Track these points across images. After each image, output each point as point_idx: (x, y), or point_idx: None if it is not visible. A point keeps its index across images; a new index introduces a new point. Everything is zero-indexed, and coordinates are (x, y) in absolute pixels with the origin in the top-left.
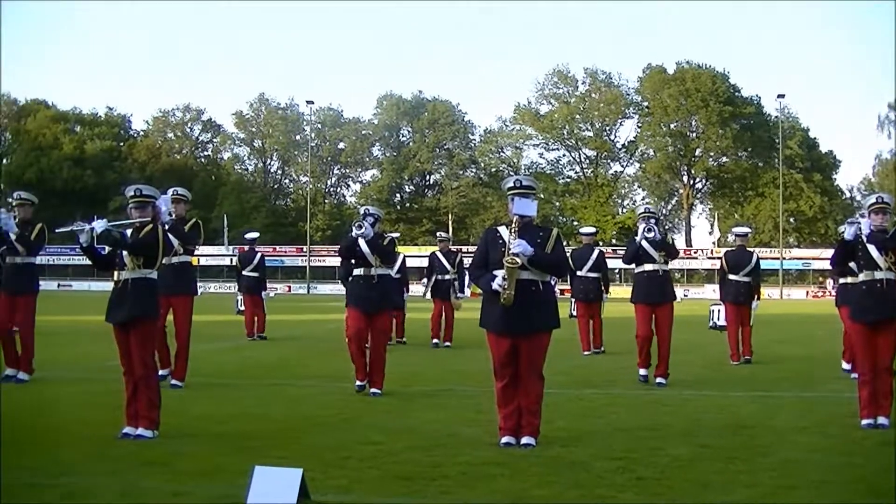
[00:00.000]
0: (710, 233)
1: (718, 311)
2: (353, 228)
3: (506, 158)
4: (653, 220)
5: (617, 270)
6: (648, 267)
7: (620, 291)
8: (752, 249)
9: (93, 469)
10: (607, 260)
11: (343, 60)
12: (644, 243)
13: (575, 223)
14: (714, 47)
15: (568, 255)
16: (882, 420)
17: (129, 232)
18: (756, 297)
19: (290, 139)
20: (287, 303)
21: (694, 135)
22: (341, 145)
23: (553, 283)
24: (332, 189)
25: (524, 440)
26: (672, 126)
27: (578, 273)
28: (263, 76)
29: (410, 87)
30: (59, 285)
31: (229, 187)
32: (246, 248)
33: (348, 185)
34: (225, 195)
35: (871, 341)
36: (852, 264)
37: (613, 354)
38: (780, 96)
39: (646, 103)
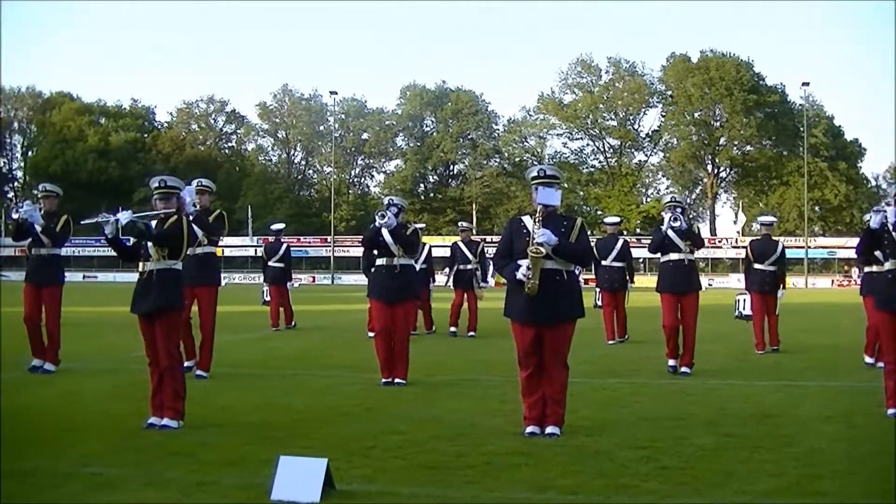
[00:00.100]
0: (735, 222)
1: (744, 300)
2: (377, 218)
3: (529, 148)
4: (678, 210)
5: (641, 260)
6: (674, 256)
7: (645, 281)
8: (777, 238)
9: (118, 459)
10: (632, 249)
11: (366, 51)
12: (670, 232)
13: (599, 212)
14: (738, 35)
15: (592, 244)
16: None
17: (153, 223)
18: (781, 286)
19: (313, 130)
20: (311, 293)
21: (718, 123)
22: (365, 136)
23: (577, 272)
24: (355, 179)
25: (548, 430)
26: (696, 115)
27: (603, 262)
28: (287, 67)
29: (434, 77)
30: (84, 276)
31: (253, 178)
32: (271, 238)
33: (372, 176)
34: (249, 186)
35: None
36: (878, 253)
37: (638, 343)
38: (805, 84)
39: (669, 92)
